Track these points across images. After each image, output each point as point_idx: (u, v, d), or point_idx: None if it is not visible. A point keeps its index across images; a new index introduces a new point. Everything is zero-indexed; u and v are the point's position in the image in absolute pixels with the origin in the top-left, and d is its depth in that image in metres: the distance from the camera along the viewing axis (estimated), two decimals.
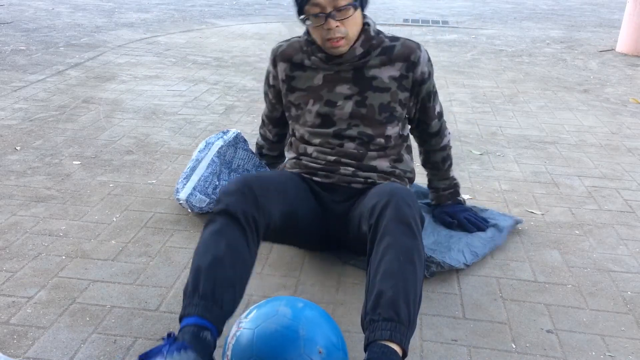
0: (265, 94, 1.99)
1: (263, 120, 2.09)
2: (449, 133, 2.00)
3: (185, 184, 2.12)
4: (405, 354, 1.31)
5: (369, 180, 1.80)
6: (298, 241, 1.85)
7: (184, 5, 7.73)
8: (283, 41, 1.89)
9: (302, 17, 1.69)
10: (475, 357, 1.49)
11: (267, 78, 1.95)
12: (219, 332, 1.34)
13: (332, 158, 1.81)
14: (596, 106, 3.73)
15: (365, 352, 1.31)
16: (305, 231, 1.78)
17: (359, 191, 1.80)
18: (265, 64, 4.62)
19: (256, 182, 1.58)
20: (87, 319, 1.58)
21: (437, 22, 6.96)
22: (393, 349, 1.28)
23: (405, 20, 6.99)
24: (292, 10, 7.55)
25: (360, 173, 1.80)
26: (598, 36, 6.34)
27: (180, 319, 1.34)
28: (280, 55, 1.86)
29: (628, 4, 5.42)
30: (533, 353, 1.51)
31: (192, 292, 1.36)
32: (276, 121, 2.02)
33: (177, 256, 1.90)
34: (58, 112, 3.28)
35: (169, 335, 1.28)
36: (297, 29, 6.22)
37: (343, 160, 1.80)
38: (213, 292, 1.35)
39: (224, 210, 1.50)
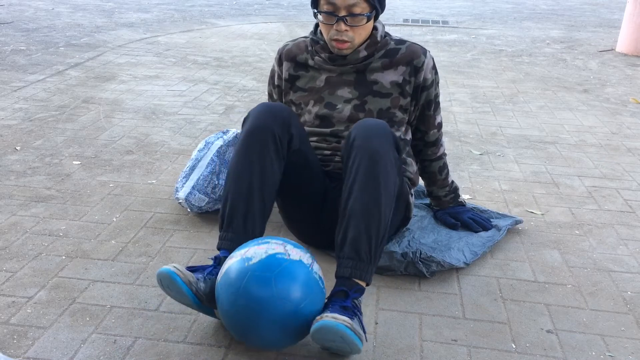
0: (270, 95, 1.99)
1: None
2: (443, 142, 1.99)
3: (184, 183, 2.12)
4: (367, 284, 1.50)
5: None
6: (301, 191, 1.77)
7: (184, 5, 7.73)
8: (290, 40, 1.90)
9: (315, 10, 1.70)
10: (475, 357, 1.49)
11: (271, 78, 1.94)
12: None
13: (327, 152, 1.83)
14: (596, 106, 3.73)
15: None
16: (309, 181, 1.75)
17: None
18: (266, 64, 4.62)
19: (283, 107, 1.63)
20: (87, 319, 1.58)
21: (437, 22, 6.96)
22: (354, 281, 1.47)
23: (405, 20, 6.99)
24: (292, 11, 7.55)
25: None
26: (598, 36, 6.34)
27: (218, 248, 1.57)
28: (286, 54, 1.87)
29: (628, 4, 5.42)
30: (533, 353, 1.51)
31: (227, 225, 1.56)
32: None
33: (177, 256, 1.90)
34: (58, 112, 3.28)
35: (215, 258, 1.53)
36: (297, 29, 6.22)
37: (338, 153, 1.83)
38: (245, 225, 1.55)
39: (251, 130, 1.58)
